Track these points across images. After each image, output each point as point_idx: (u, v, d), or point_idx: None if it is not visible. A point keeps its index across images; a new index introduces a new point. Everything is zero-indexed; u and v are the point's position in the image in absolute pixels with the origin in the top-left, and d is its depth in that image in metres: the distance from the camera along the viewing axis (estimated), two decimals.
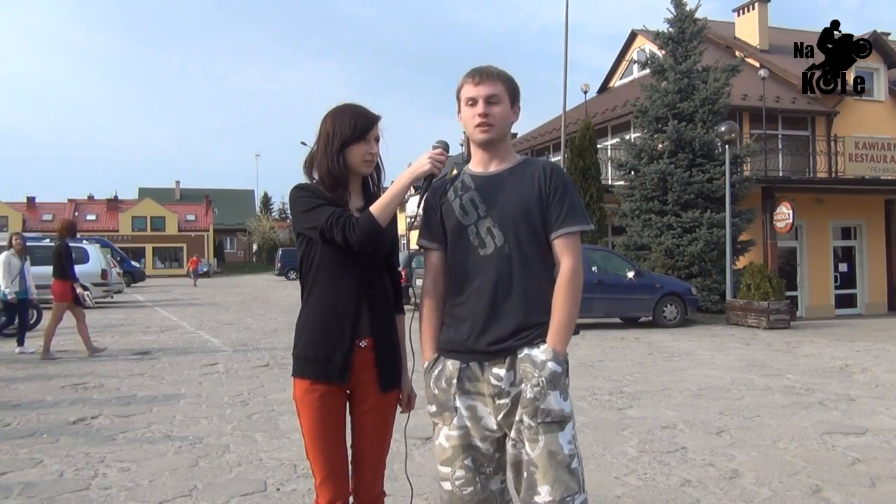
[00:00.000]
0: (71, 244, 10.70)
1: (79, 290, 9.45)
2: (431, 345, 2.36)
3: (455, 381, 2.27)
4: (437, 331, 2.37)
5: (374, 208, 2.27)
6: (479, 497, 2.24)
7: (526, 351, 2.19)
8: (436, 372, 2.32)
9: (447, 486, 2.27)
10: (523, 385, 2.17)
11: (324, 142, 2.36)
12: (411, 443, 2.72)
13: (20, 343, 10.02)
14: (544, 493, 2.11)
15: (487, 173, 2.34)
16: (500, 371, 2.21)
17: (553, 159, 21.52)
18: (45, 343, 9.41)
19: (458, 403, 2.26)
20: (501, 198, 2.27)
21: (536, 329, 2.21)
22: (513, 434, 2.18)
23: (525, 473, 2.16)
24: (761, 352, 10.57)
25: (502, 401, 2.20)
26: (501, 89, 2.30)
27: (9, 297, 9.94)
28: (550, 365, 2.16)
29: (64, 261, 9.44)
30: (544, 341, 2.19)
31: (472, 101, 2.30)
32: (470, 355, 2.26)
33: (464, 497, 2.24)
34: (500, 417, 2.21)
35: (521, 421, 2.16)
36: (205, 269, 42.06)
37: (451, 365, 2.29)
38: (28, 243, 10.73)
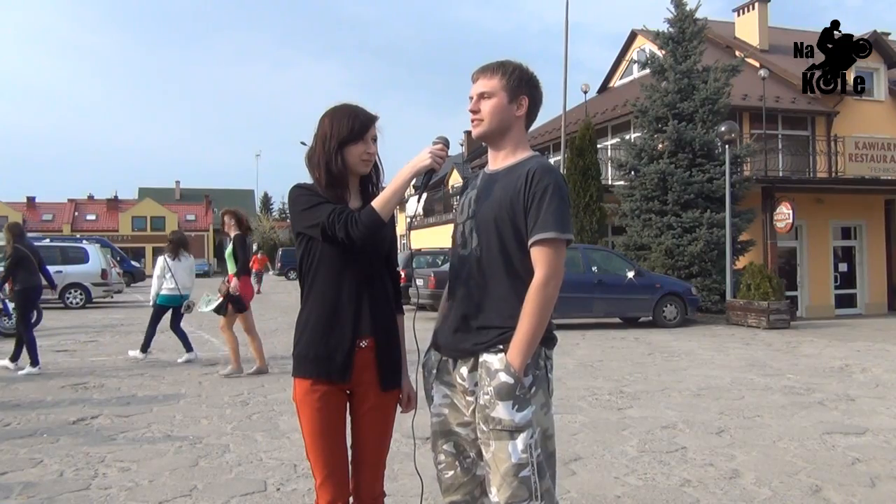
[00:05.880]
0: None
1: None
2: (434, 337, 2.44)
3: (435, 371, 2.35)
4: None
5: (376, 203, 2.27)
6: (459, 481, 2.29)
7: (485, 357, 2.18)
8: (424, 360, 2.41)
9: (436, 469, 2.34)
10: (479, 390, 2.19)
11: (322, 141, 2.36)
12: (412, 443, 2.73)
13: (188, 349, 9.05)
14: (494, 493, 2.16)
15: (490, 171, 2.35)
16: (465, 371, 2.25)
17: (553, 159, 21.50)
18: (257, 358, 8.29)
19: (434, 392, 2.35)
20: (485, 199, 2.27)
21: (498, 335, 2.17)
22: (477, 432, 2.21)
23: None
24: (761, 352, 10.57)
25: (469, 398, 2.25)
26: (497, 84, 2.27)
27: (150, 301, 8.93)
28: (501, 376, 2.12)
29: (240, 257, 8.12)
30: (506, 349, 2.15)
31: (470, 98, 2.32)
32: (445, 350, 2.32)
33: (445, 480, 2.31)
34: (469, 412, 2.25)
35: (477, 423, 2.20)
36: (206, 269, 41.81)
37: (434, 356, 2.37)
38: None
